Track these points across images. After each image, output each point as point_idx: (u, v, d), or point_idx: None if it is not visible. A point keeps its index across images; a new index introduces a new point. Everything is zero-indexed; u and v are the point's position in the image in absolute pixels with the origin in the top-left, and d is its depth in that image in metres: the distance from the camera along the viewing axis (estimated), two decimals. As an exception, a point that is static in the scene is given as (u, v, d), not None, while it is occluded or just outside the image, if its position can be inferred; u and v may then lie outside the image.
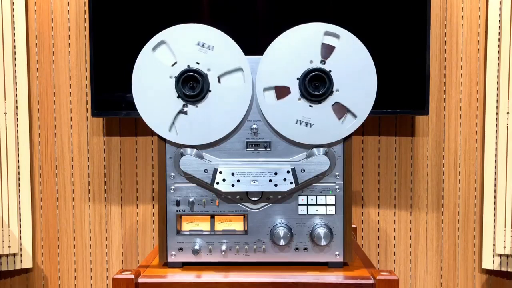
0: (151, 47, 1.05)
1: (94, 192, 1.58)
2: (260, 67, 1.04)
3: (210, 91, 1.04)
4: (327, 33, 1.04)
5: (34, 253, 1.58)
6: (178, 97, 1.05)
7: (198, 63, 1.04)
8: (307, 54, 1.04)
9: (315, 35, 1.04)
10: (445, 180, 1.56)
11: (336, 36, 1.04)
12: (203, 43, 1.04)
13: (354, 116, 1.05)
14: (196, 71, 1.04)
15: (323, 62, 1.04)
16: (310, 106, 1.04)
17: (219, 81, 1.05)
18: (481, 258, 1.54)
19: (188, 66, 1.04)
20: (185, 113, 1.05)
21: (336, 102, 1.04)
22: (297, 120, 1.05)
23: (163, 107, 1.05)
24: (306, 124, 1.05)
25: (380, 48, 1.41)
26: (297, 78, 1.04)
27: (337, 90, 1.04)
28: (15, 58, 1.52)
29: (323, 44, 1.04)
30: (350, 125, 1.05)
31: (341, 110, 1.05)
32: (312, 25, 1.04)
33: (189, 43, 1.04)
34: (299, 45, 1.04)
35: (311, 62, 1.04)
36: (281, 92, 1.05)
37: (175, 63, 1.05)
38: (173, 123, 1.05)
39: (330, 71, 1.03)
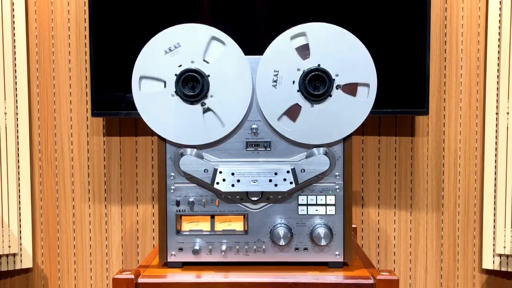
0: (136, 87, 1.04)
1: (94, 192, 1.58)
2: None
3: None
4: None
5: (34, 253, 1.58)
6: (190, 103, 1.04)
7: (180, 66, 1.04)
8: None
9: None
10: (445, 180, 1.56)
11: (367, 86, 1.04)
12: (169, 47, 1.03)
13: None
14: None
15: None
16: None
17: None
18: (481, 258, 1.54)
19: (175, 74, 1.03)
20: (208, 109, 1.04)
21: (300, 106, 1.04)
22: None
23: (184, 122, 1.05)
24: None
25: (380, 48, 1.41)
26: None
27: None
28: (15, 58, 1.52)
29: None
30: (284, 128, 1.05)
31: (295, 113, 1.05)
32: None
33: (158, 57, 1.03)
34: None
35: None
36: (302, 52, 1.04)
37: (165, 82, 1.04)
38: (204, 124, 1.05)
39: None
